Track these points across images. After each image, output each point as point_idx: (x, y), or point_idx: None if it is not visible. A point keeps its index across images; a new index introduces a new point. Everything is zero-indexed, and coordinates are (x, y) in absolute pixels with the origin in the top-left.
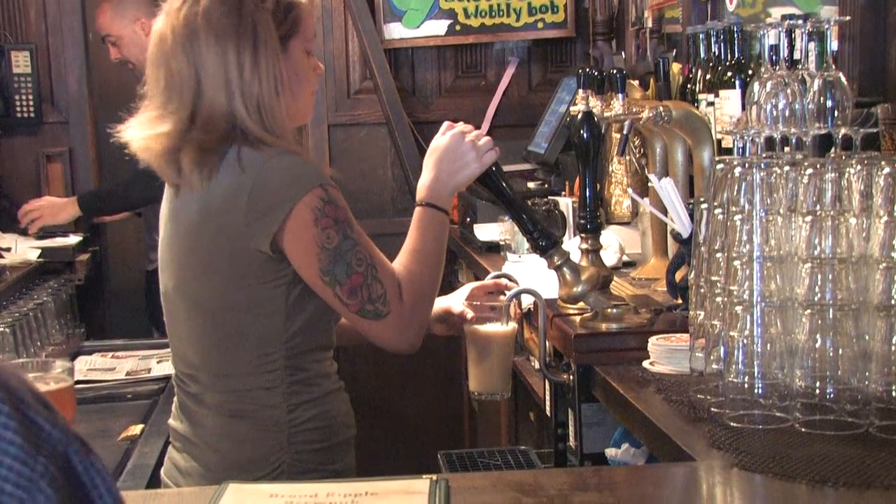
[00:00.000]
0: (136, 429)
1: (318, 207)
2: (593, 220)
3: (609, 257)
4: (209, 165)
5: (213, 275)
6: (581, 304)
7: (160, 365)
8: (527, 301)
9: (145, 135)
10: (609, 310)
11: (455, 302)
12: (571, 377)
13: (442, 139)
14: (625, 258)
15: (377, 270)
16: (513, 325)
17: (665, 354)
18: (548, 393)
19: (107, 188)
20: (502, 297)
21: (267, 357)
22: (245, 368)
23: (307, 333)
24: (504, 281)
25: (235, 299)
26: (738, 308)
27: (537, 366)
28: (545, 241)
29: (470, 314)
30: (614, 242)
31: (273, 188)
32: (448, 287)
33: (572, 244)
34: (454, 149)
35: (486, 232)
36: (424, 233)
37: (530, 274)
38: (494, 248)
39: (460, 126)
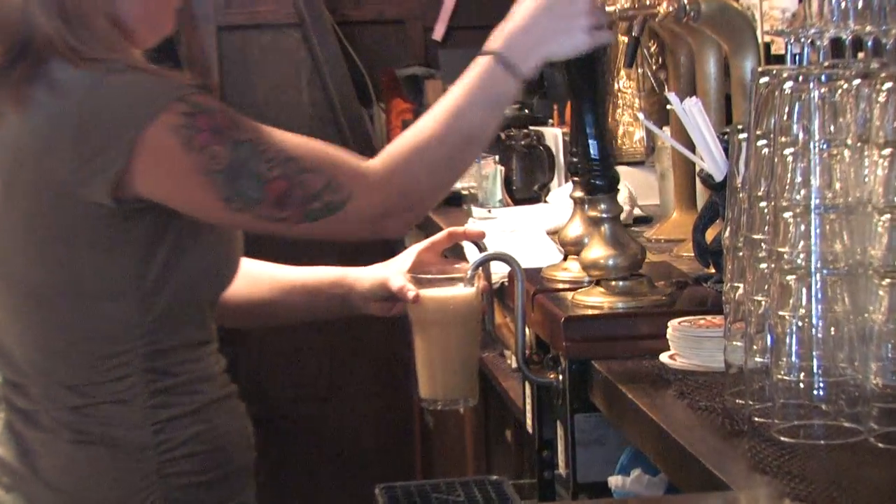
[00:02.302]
0: None
1: (184, 125)
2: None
3: None
4: (14, 94)
5: (35, 244)
6: (575, 275)
7: None
8: (498, 272)
9: None
10: (614, 282)
11: (393, 273)
12: (561, 377)
13: None
14: (636, 212)
15: (302, 159)
16: (476, 288)
17: (690, 344)
18: (528, 400)
19: None
20: (463, 265)
21: (119, 358)
22: (90, 375)
23: (175, 319)
24: (465, 229)
25: (67, 277)
26: (790, 278)
27: (514, 363)
28: (603, 180)
29: (413, 292)
30: (622, 189)
31: (108, 116)
32: (388, 252)
33: (561, 192)
34: (565, 2)
35: None
36: (471, 91)
37: (506, 237)
38: (453, 200)
39: None
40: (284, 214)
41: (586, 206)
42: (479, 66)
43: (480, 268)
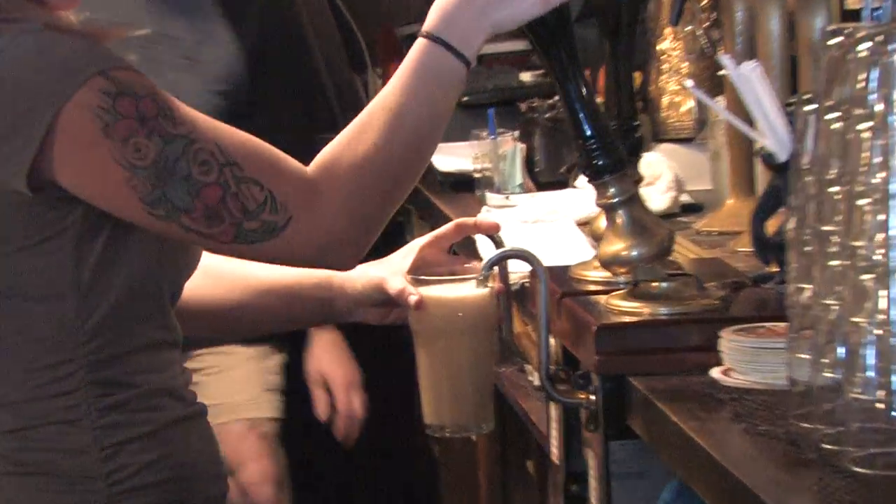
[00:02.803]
0: None
1: (103, 107)
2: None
3: (657, 197)
4: None
5: None
6: (606, 275)
7: None
8: (517, 272)
9: None
10: (656, 283)
11: (390, 273)
12: (592, 397)
13: None
14: (683, 198)
15: (243, 166)
16: (490, 291)
17: (747, 357)
18: (554, 425)
19: None
20: (475, 264)
21: (60, 369)
22: (27, 390)
23: (126, 318)
24: (477, 220)
25: None
26: (867, 278)
27: (536, 381)
28: (605, 159)
29: (415, 297)
30: (665, 172)
31: (16, 91)
32: (385, 247)
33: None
34: None
35: (448, 157)
36: (411, 84)
37: (527, 229)
38: (464, 185)
39: None
40: (212, 231)
41: (596, 191)
42: (415, 53)
43: (496, 267)
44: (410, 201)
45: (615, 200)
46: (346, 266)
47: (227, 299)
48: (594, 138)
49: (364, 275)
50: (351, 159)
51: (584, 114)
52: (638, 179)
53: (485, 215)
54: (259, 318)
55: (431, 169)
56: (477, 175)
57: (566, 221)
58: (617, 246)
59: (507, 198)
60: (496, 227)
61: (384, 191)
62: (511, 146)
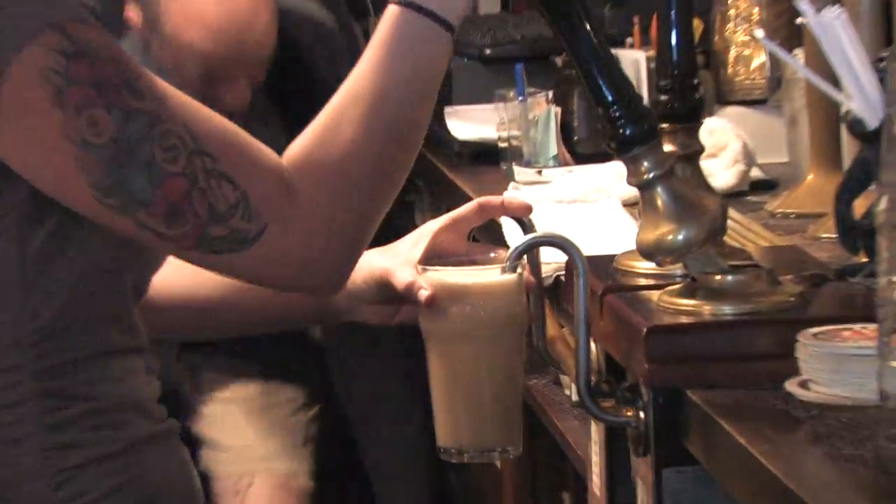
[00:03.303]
0: None
1: (55, 69)
2: (685, 93)
3: (721, 172)
4: None
5: None
6: (659, 267)
7: None
8: (551, 262)
9: None
10: (719, 277)
11: (398, 264)
12: (642, 414)
13: None
14: (754, 173)
15: (216, 155)
16: (518, 282)
17: (830, 365)
18: (595, 449)
19: None
20: (501, 253)
21: (3, 378)
22: None
23: (82, 319)
24: (503, 199)
25: None
26: None
27: (573, 395)
28: (633, 127)
29: (427, 292)
30: (732, 141)
31: None
32: (391, 233)
33: None
34: None
35: (468, 123)
36: (387, 63)
37: (563, 210)
38: (486, 156)
39: None
40: (172, 232)
41: (626, 167)
42: (387, 24)
43: (525, 256)
44: (421, 177)
45: (650, 176)
46: (327, 290)
47: (205, 293)
48: (617, 104)
49: (366, 265)
50: (327, 159)
51: (601, 74)
52: (695, 151)
53: (512, 194)
54: (243, 315)
55: (447, 138)
56: (502, 145)
57: (611, 201)
58: (658, 230)
59: (538, 172)
60: (526, 209)
61: (369, 195)
62: (544, 109)
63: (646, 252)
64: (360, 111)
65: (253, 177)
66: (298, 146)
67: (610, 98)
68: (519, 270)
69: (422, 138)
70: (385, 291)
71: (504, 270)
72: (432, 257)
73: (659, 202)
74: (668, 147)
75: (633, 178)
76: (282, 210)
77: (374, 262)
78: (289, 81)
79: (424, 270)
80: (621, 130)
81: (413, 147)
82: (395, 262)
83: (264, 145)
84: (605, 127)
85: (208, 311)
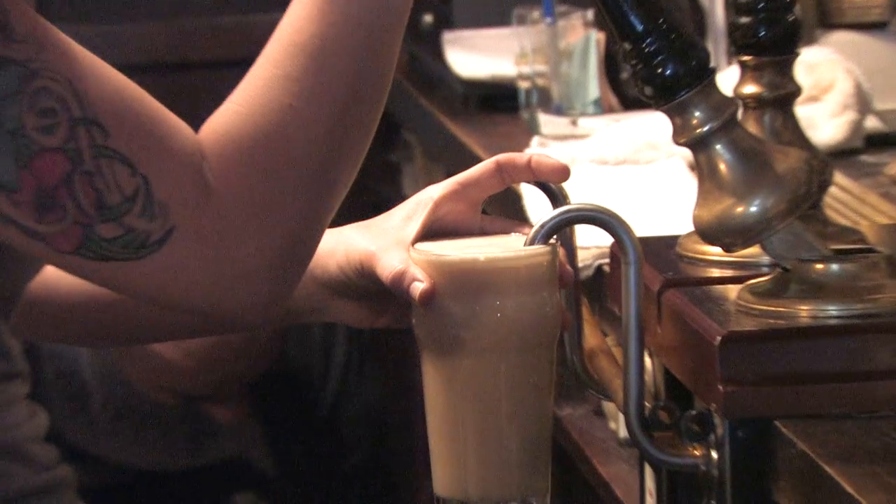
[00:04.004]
0: None
1: None
2: (775, 13)
3: (824, 123)
4: None
5: None
6: (744, 251)
7: None
8: (589, 246)
9: None
10: (820, 266)
11: (386, 246)
12: (715, 454)
13: None
14: (870, 123)
15: (109, 127)
16: (548, 268)
17: None
18: (650, 500)
19: None
20: (524, 230)
21: None
22: None
23: None
24: (531, 155)
25: None
26: None
27: (620, 429)
28: (672, 63)
29: (422, 283)
30: (840, 80)
31: None
32: (370, 207)
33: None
34: None
35: (475, 54)
36: (326, 16)
37: (608, 175)
38: (502, 101)
39: None
40: (45, 228)
41: (671, 121)
42: None
43: (556, 235)
44: (412, 128)
45: (705, 130)
46: (256, 317)
47: (95, 293)
48: (650, 34)
49: (342, 247)
50: (256, 133)
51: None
52: (788, 93)
53: (539, 151)
54: (154, 320)
55: (447, 75)
56: (523, 85)
57: (672, 162)
58: (721, 203)
59: (573, 123)
60: (563, 171)
61: (316, 179)
62: (581, 36)
63: (706, 233)
64: (298, 66)
65: (160, 160)
66: (218, 119)
67: (640, 27)
68: (551, 248)
69: (384, 96)
70: (367, 282)
71: (529, 259)
72: (432, 236)
73: (720, 164)
74: (751, 88)
75: (682, 134)
76: (197, 207)
77: (353, 242)
78: None
79: (421, 254)
80: (659, 70)
81: (373, 109)
82: (382, 242)
83: (179, 119)
84: (637, 68)
85: (118, 311)
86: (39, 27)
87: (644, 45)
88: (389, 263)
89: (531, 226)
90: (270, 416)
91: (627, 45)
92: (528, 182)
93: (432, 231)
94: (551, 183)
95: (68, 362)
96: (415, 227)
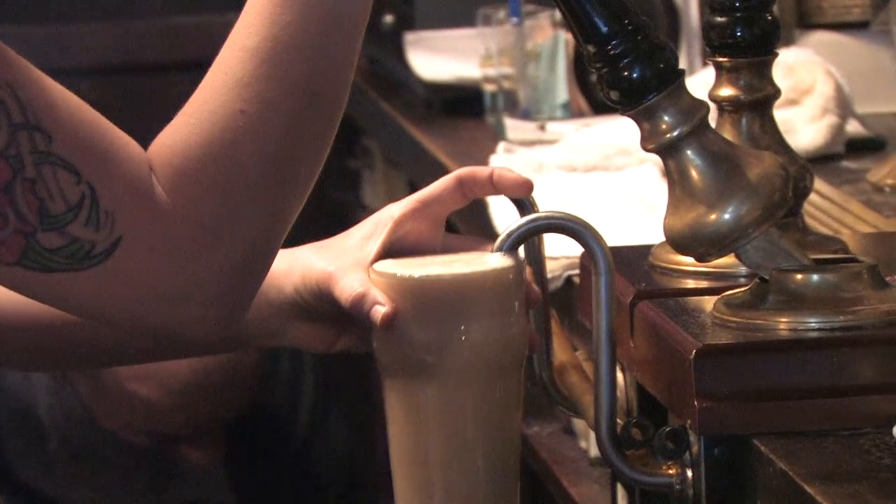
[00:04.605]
0: None
1: None
2: (752, 12)
3: (804, 127)
4: None
5: None
6: (720, 261)
7: None
8: (557, 255)
9: None
10: (800, 276)
11: (345, 266)
12: (690, 473)
13: None
14: (852, 128)
15: (53, 133)
16: (514, 267)
17: None
18: None
19: None
20: (487, 249)
21: None
22: None
23: None
24: (493, 170)
25: None
26: None
27: (591, 448)
28: (639, 66)
29: (383, 308)
30: (820, 83)
31: None
32: (330, 217)
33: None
34: None
35: (438, 56)
36: (282, 23)
37: (577, 184)
38: (465, 105)
39: None
40: None
41: (639, 126)
42: None
43: (522, 247)
44: (372, 133)
45: (674, 135)
46: (206, 335)
47: (37, 313)
48: (616, 37)
49: (298, 267)
50: (205, 142)
51: (594, 3)
52: (766, 95)
53: (503, 161)
54: (99, 343)
55: (409, 78)
56: (489, 88)
57: (644, 168)
58: (693, 211)
59: (541, 127)
60: (526, 186)
61: (269, 190)
62: (549, 36)
63: (678, 242)
64: (247, 71)
65: (105, 167)
66: (166, 132)
67: (605, 29)
68: (517, 263)
69: (342, 102)
70: (324, 305)
71: (494, 274)
72: (393, 255)
73: (691, 171)
74: (727, 91)
75: (651, 140)
76: (145, 216)
77: (309, 263)
78: None
79: (381, 275)
80: (626, 73)
81: (331, 115)
82: (340, 263)
83: (124, 133)
84: (602, 71)
85: (61, 333)
86: None
87: (609, 48)
88: (349, 285)
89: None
90: (235, 456)
91: (592, 48)
92: (496, 194)
93: (393, 251)
94: (518, 197)
95: (24, 400)
96: (374, 246)
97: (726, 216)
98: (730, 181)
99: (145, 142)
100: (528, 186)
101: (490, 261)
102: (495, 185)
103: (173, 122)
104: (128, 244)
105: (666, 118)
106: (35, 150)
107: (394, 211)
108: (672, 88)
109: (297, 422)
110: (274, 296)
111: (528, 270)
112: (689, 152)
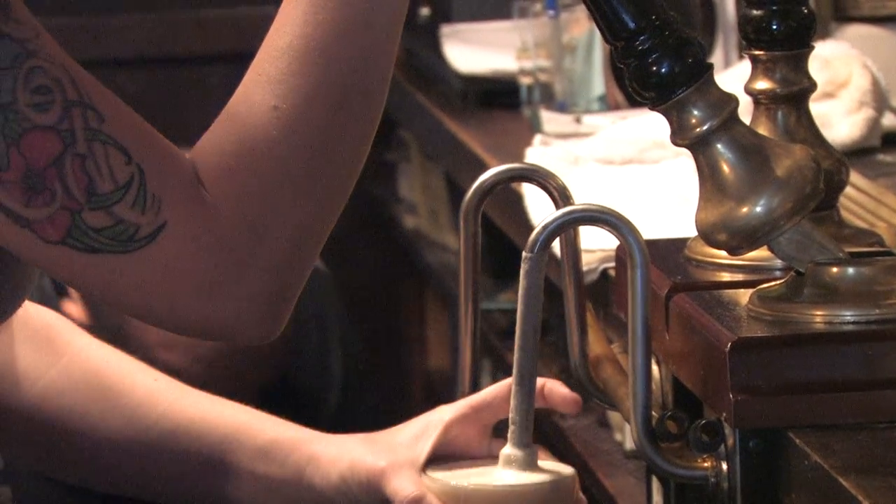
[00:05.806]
0: None
1: None
2: (788, 5)
3: (840, 120)
4: None
5: None
6: (755, 254)
7: None
8: (593, 248)
9: None
10: (836, 269)
11: (395, 464)
12: (725, 466)
13: None
14: (888, 121)
15: (104, 114)
16: (565, 473)
17: None
18: None
19: None
20: (549, 465)
21: None
22: None
23: None
24: (542, 381)
25: None
26: None
27: (627, 440)
28: (667, 60)
29: None
30: (856, 76)
31: None
32: (366, 208)
33: (728, 81)
34: None
35: (474, 49)
36: (323, 22)
37: (612, 176)
38: (501, 98)
39: None
40: (31, 213)
41: (668, 121)
42: None
43: (561, 232)
44: (408, 126)
45: (704, 129)
46: (251, 333)
47: (75, 411)
48: (643, 32)
49: (346, 456)
50: (238, 138)
51: None
52: (802, 89)
53: (540, 153)
54: (126, 472)
55: (445, 71)
56: (525, 81)
57: (680, 161)
58: (724, 205)
59: (577, 120)
60: (573, 402)
61: (305, 186)
62: (585, 30)
63: (710, 236)
64: (281, 68)
65: (154, 152)
66: (206, 133)
67: (632, 24)
68: (571, 477)
69: (381, 99)
70: (368, 498)
71: (552, 486)
72: (444, 457)
73: (722, 164)
74: (763, 84)
75: (680, 135)
76: (190, 205)
77: (359, 455)
78: None
79: (434, 481)
80: (654, 68)
81: (369, 112)
82: (391, 459)
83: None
84: (631, 67)
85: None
86: (36, 21)
87: (637, 43)
88: (402, 485)
89: (544, 450)
90: None
91: (620, 44)
92: (548, 405)
93: (440, 453)
94: (570, 412)
95: None
96: (424, 447)
97: (757, 209)
98: (760, 174)
99: (179, 132)
100: (577, 403)
101: (542, 472)
102: (546, 399)
103: (213, 124)
104: (172, 230)
105: (695, 112)
106: (87, 126)
107: (445, 414)
108: (701, 82)
109: (327, 401)
110: (318, 481)
111: (577, 480)
112: (718, 146)
